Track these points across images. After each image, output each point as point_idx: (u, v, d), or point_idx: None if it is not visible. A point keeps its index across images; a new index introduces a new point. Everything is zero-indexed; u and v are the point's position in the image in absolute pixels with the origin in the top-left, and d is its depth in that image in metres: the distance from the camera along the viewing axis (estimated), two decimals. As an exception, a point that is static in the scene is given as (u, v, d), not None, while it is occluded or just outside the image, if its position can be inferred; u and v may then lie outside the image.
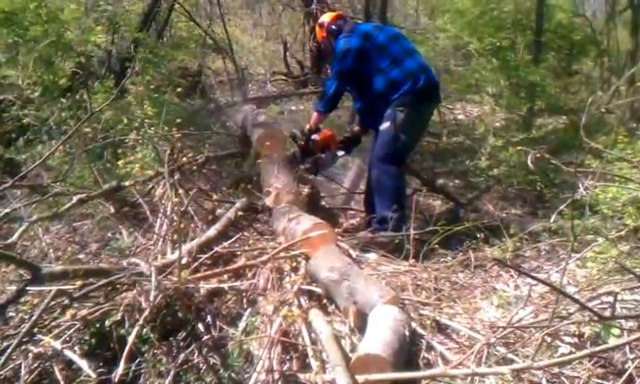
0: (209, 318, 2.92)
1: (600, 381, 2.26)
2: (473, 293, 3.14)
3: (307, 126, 4.65)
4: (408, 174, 5.58)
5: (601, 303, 2.57)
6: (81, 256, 3.64)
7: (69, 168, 4.27)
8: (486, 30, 7.67)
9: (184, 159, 4.14)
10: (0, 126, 5.41)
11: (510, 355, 2.35)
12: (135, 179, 4.00)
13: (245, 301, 3.07)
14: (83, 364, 2.56)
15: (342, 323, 2.76)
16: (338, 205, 5.19)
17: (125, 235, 3.86)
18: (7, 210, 3.49)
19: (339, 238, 3.69)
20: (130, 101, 5.23)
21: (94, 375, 2.51)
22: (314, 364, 2.50)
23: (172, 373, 2.67)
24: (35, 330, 2.68)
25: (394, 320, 2.47)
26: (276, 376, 2.53)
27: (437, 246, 3.68)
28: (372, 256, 3.71)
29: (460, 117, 8.43)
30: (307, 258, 3.18)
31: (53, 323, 2.77)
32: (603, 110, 4.05)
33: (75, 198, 3.69)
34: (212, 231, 3.56)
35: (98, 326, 2.78)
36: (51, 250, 3.59)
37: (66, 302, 2.82)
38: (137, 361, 2.67)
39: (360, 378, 2.24)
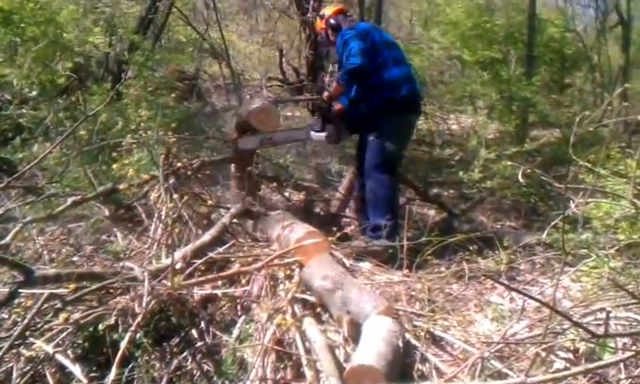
0: (202, 324, 2.90)
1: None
2: (467, 305, 3.15)
3: (326, 94, 4.62)
4: (402, 184, 5.62)
5: (595, 319, 2.58)
6: (75, 258, 3.61)
7: (64, 169, 4.25)
8: (479, 43, 7.74)
9: (179, 163, 4.14)
10: (-4, 126, 5.38)
11: (504, 369, 2.35)
12: (130, 182, 3.99)
13: (239, 307, 3.07)
14: (75, 369, 2.54)
15: (336, 332, 2.75)
16: (332, 212, 5.19)
17: (119, 238, 3.85)
18: (1, 211, 3.47)
19: (333, 246, 3.69)
20: (127, 103, 5.22)
21: (85, 380, 2.50)
22: (308, 373, 2.49)
23: (165, 379, 2.66)
24: (27, 332, 2.66)
25: (387, 331, 2.47)
26: (269, 384, 2.53)
27: (430, 256, 3.70)
28: (366, 265, 3.72)
29: (454, 127, 8.47)
30: (301, 266, 3.17)
31: (45, 326, 2.75)
32: (591, 129, 4.09)
33: (70, 200, 3.68)
34: (206, 236, 3.55)
35: (90, 330, 2.76)
36: (45, 252, 3.56)
37: (59, 305, 2.80)
38: (130, 366, 2.64)
39: (354, 389, 2.24)
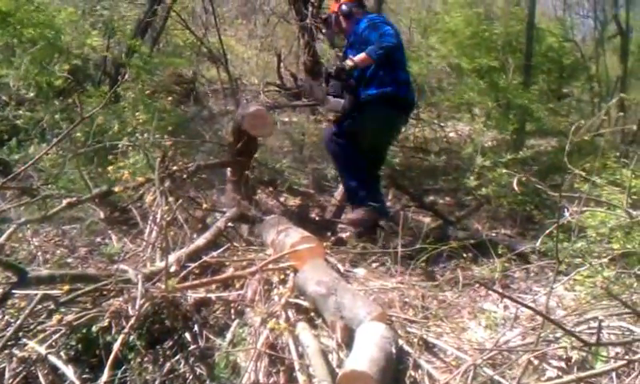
0: (196, 328, 2.90)
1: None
2: (460, 312, 3.15)
3: (350, 63, 4.44)
4: (397, 191, 5.64)
5: (588, 328, 2.59)
6: (69, 260, 3.61)
7: (60, 171, 4.25)
8: (477, 51, 7.76)
9: (175, 166, 4.14)
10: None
11: (496, 377, 2.35)
12: (126, 185, 3.99)
13: (232, 311, 3.06)
14: (68, 370, 2.53)
15: (329, 338, 2.75)
16: (327, 217, 5.19)
17: (114, 240, 3.85)
18: (-4, 212, 3.47)
19: (328, 251, 3.70)
20: (124, 106, 5.23)
21: (77, 382, 2.49)
22: (301, 378, 2.49)
23: (158, 381, 2.66)
24: (20, 333, 2.65)
25: (380, 337, 2.47)
26: (262, 389, 2.53)
27: (424, 263, 3.71)
28: (360, 271, 3.72)
29: (451, 134, 8.48)
30: (296, 271, 3.18)
31: (38, 327, 2.74)
32: (587, 138, 4.10)
33: (65, 202, 3.68)
34: (201, 240, 3.54)
35: (84, 331, 2.75)
36: (39, 253, 3.55)
37: (53, 306, 2.80)
38: (122, 368, 2.64)
39: (346, 394, 2.24)
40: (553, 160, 6.31)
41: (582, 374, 2.15)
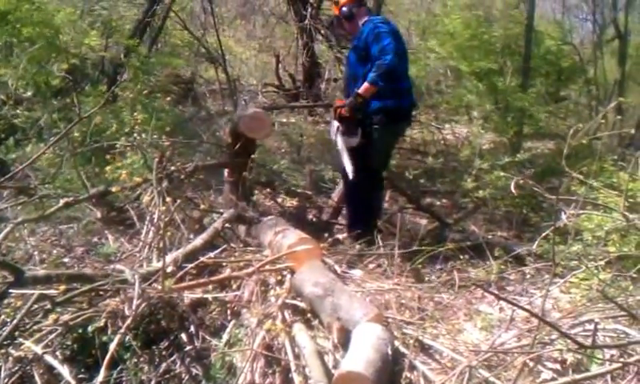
0: (192, 328, 2.91)
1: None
2: (456, 314, 3.15)
3: (359, 99, 4.31)
4: (394, 192, 5.64)
5: (583, 330, 2.59)
6: (66, 260, 3.61)
7: (57, 171, 4.25)
8: (476, 54, 7.77)
9: (173, 167, 4.14)
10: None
11: (491, 378, 2.35)
12: (123, 185, 3.99)
13: (229, 312, 3.07)
14: (64, 370, 2.54)
15: (326, 339, 2.75)
16: (325, 219, 5.19)
17: (111, 241, 3.85)
18: (-7, 211, 3.47)
19: (325, 253, 3.70)
20: (121, 106, 5.23)
21: (73, 381, 2.50)
22: (297, 379, 2.50)
23: (153, 382, 2.67)
24: (16, 333, 2.65)
25: (377, 338, 2.48)
26: (258, 390, 2.53)
27: (421, 265, 3.71)
28: (357, 273, 3.72)
29: (449, 137, 8.49)
30: (292, 272, 3.18)
31: (35, 327, 2.75)
32: (585, 141, 4.12)
33: (62, 201, 3.68)
34: (198, 241, 3.55)
35: (80, 331, 2.76)
36: (36, 253, 3.56)
37: (49, 306, 2.80)
38: (118, 368, 2.65)
39: (342, 395, 2.24)
40: (550, 163, 6.32)
41: (578, 377, 2.17)
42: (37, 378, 2.57)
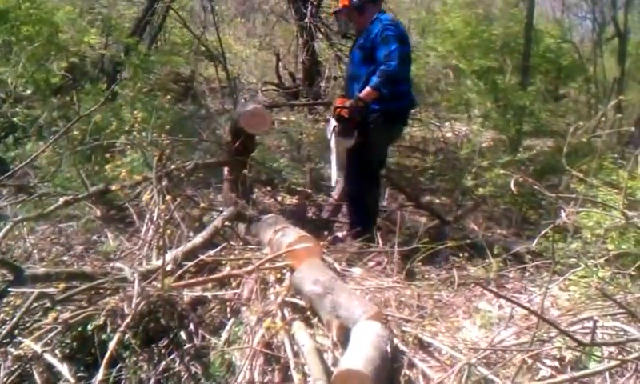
0: (191, 327, 2.91)
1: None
2: (456, 311, 3.15)
3: (360, 103, 4.30)
4: (394, 190, 5.64)
5: (582, 328, 2.60)
6: (65, 258, 3.61)
7: (56, 169, 4.25)
8: (476, 52, 7.77)
9: (172, 165, 4.14)
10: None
11: (490, 376, 2.36)
12: (122, 183, 3.99)
13: (228, 310, 3.07)
14: (63, 368, 2.54)
15: (325, 337, 2.75)
16: (324, 217, 5.19)
17: (110, 239, 3.85)
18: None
19: (324, 250, 3.70)
20: (121, 104, 5.23)
21: (72, 380, 2.50)
22: (296, 377, 2.50)
23: (153, 380, 2.67)
24: (16, 331, 2.65)
25: (376, 336, 2.48)
26: (257, 387, 2.53)
27: (420, 263, 3.71)
28: (357, 271, 3.72)
29: (448, 135, 8.49)
30: (292, 270, 3.18)
31: (34, 325, 2.75)
32: (584, 139, 4.13)
33: (61, 200, 3.68)
34: (198, 239, 3.55)
35: (79, 329, 2.76)
36: (35, 251, 3.56)
37: (48, 304, 2.80)
38: (117, 367, 2.65)
39: (341, 392, 2.24)
40: (549, 161, 6.31)
41: (576, 374, 2.17)
42: (36, 376, 2.57)
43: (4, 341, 2.57)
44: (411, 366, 2.57)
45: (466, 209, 5.63)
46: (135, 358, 2.71)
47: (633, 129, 8.22)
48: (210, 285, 3.19)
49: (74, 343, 2.77)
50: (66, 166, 4.39)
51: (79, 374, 2.63)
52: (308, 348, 2.56)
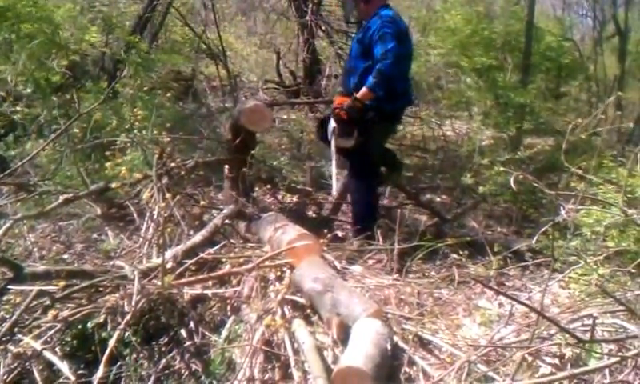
0: (192, 324, 2.91)
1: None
2: (455, 309, 3.15)
3: (358, 104, 4.29)
4: (395, 188, 5.65)
5: (582, 325, 2.60)
6: (65, 256, 3.62)
7: (57, 167, 4.25)
8: (476, 50, 7.77)
9: (173, 163, 4.14)
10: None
11: (490, 373, 2.36)
12: (123, 181, 4.00)
13: (228, 308, 3.07)
14: (63, 366, 2.54)
15: (325, 334, 2.75)
16: (324, 215, 5.20)
17: (110, 237, 3.85)
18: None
19: (324, 248, 3.70)
20: (121, 102, 5.23)
21: (72, 378, 2.50)
22: (296, 374, 2.51)
23: (153, 378, 2.67)
24: (16, 329, 2.65)
25: (376, 333, 2.48)
26: (257, 385, 2.53)
27: (420, 260, 3.71)
28: (357, 268, 3.72)
29: (449, 133, 8.49)
30: (292, 268, 3.18)
31: (34, 323, 2.75)
32: (584, 136, 4.12)
33: (61, 198, 3.68)
34: (198, 237, 3.55)
35: (79, 327, 2.76)
36: (35, 249, 3.56)
37: (48, 302, 2.80)
38: (118, 364, 2.65)
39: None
40: (550, 159, 6.31)
41: (576, 371, 2.17)
42: (36, 374, 2.57)
43: (4, 338, 2.57)
44: (411, 363, 2.57)
45: (466, 207, 5.62)
46: (135, 356, 2.71)
47: (631, 125, 8.22)
48: (210, 282, 3.19)
49: (74, 341, 2.76)
50: (67, 164, 4.39)
51: (79, 372, 2.63)
52: (308, 345, 2.56)
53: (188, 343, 2.82)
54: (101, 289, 2.95)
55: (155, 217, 3.63)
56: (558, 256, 3.25)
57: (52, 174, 4.26)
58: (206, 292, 3.11)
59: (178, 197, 3.78)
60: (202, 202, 4.18)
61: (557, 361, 2.48)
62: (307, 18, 8.81)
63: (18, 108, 5.09)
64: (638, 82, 11.19)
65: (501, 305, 3.20)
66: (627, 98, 9.00)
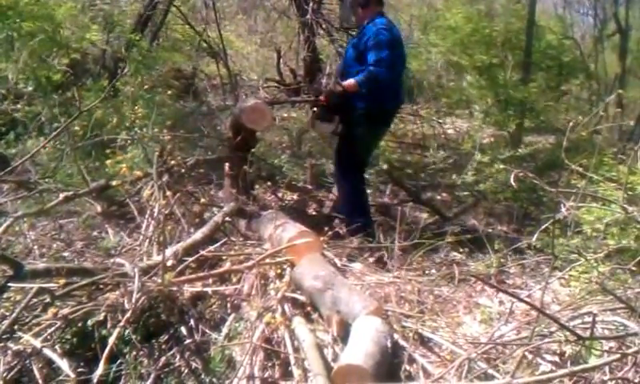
0: (192, 322, 2.90)
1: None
2: (456, 307, 3.15)
3: (339, 88, 4.41)
4: (395, 186, 5.65)
5: (582, 322, 2.59)
6: (65, 254, 3.61)
7: (57, 165, 4.25)
8: (477, 48, 7.77)
9: (173, 161, 4.14)
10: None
11: (490, 371, 2.36)
12: (123, 179, 4.00)
13: (229, 306, 3.06)
14: (63, 364, 2.53)
15: (325, 332, 2.75)
16: (325, 212, 5.19)
17: (111, 234, 3.85)
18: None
19: (324, 246, 3.70)
20: (122, 100, 5.23)
21: (72, 375, 2.49)
22: (296, 372, 2.50)
23: (153, 375, 2.66)
24: (16, 326, 2.65)
25: (376, 331, 2.48)
26: (257, 383, 2.53)
27: (421, 258, 3.71)
28: (357, 266, 3.72)
29: (449, 131, 8.49)
30: (292, 265, 3.18)
31: (34, 321, 2.74)
32: (584, 134, 4.13)
33: (62, 195, 3.68)
34: (198, 234, 3.54)
35: (79, 325, 2.76)
36: (36, 247, 3.56)
37: (48, 299, 2.80)
38: (117, 362, 2.65)
39: (341, 388, 2.24)
40: (550, 156, 6.32)
41: (576, 368, 2.16)
42: (36, 371, 2.56)
43: (4, 336, 2.56)
44: (411, 361, 2.57)
45: (467, 205, 5.62)
46: (135, 353, 2.71)
47: (632, 123, 8.22)
48: (210, 280, 3.19)
49: (74, 338, 2.76)
50: (67, 161, 4.39)
51: (79, 370, 2.62)
52: (308, 343, 2.55)
53: (188, 341, 2.82)
54: (101, 286, 2.95)
55: (155, 214, 3.62)
56: (558, 253, 3.24)
57: (52, 171, 4.26)
58: (206, 290, 3.11)
59: (178, 194, 3.78)
60: (203, 200, 4.17)
61: (557, 358, 2.48)
62: (308, 16, 8.79)
63: (18, 106, 5.10)
64: (639, 80, 11.19)
65: (501, 302, 3.20)
66: (628, 96, 9.00)
